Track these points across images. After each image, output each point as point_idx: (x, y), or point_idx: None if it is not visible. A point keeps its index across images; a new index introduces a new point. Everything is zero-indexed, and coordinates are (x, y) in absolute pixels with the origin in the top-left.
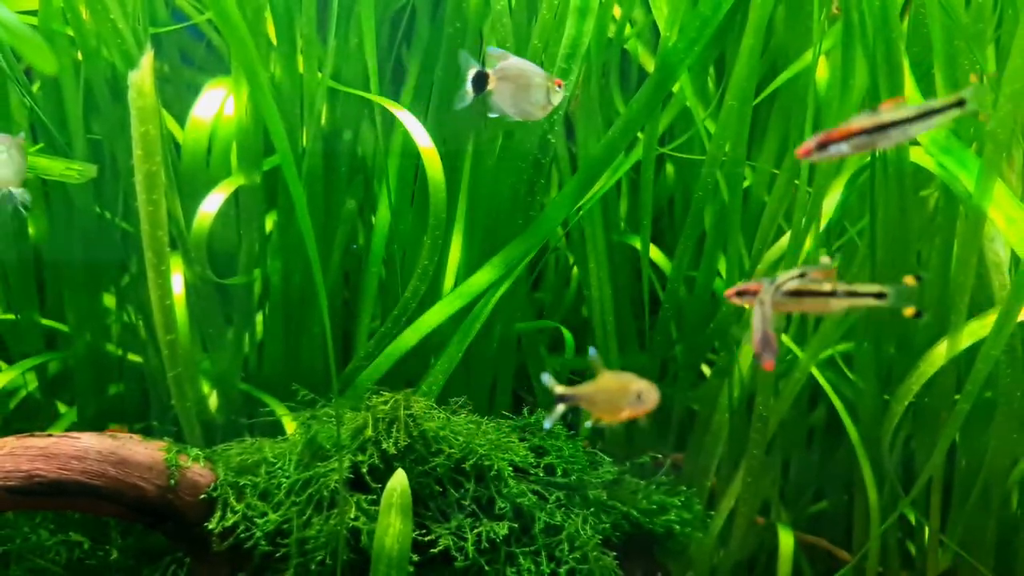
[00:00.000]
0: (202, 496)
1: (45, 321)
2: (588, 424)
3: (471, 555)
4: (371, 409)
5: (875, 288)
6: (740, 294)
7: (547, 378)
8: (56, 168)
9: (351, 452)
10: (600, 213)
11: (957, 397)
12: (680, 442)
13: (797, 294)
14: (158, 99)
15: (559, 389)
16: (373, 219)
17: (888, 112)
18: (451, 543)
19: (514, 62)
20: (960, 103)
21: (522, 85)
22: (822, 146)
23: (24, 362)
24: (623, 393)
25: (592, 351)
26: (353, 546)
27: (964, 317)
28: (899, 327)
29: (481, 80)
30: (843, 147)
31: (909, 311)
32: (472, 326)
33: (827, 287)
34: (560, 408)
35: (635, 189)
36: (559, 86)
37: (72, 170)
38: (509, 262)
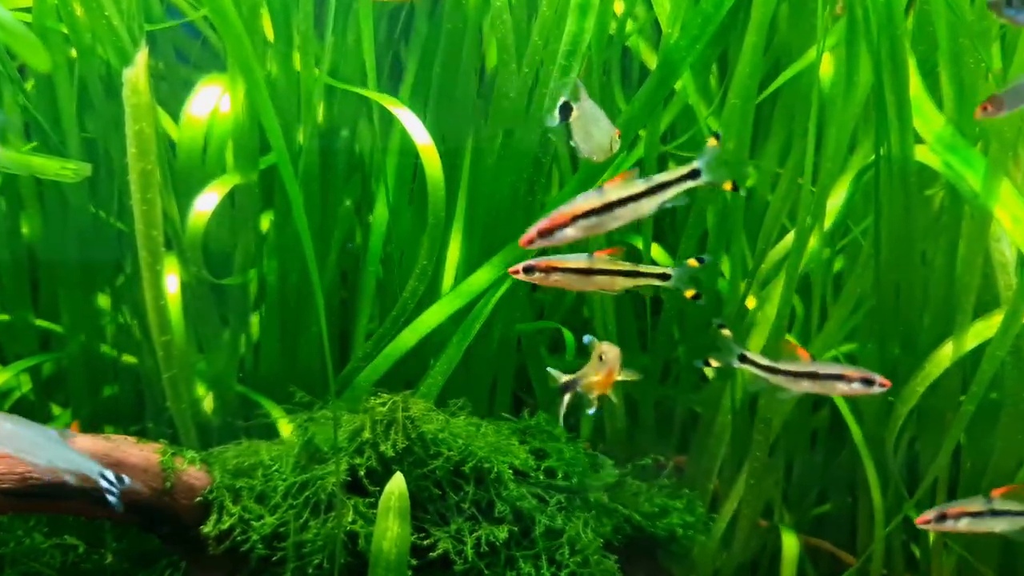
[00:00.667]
0: (198, 499)
1: (39, 322)
2: (591, 411)
3: (470, 559)
4: (369, 411)
5: (658, 269)
6: (527, 270)
7: (553, 372)
8: (50, 167)
9: (348, 455)
10: None
11: (962, 398)
12: (682, 444)
13: (584, 272)
14: (153, 97)
15: (564, 378)
16: (371, 218)
17: (615, 190)
18: (450, 547)
19: (591, 104)
20: (694, 174)
21: (594, 125)
22: (546, 232)
23: (18, 363)
24: (596, 359)
25: (587, 338)
26: (351, 550)
27: (969, 318)
28: (904, 327)
29: (566, 110)
30: (568, 231)
31: (689, 293)
32: (471, 326)
33: (615, 266)
34: (566, 398)
35: None
36: (619, 135)
37: (67, 169)
38: (509, 262)
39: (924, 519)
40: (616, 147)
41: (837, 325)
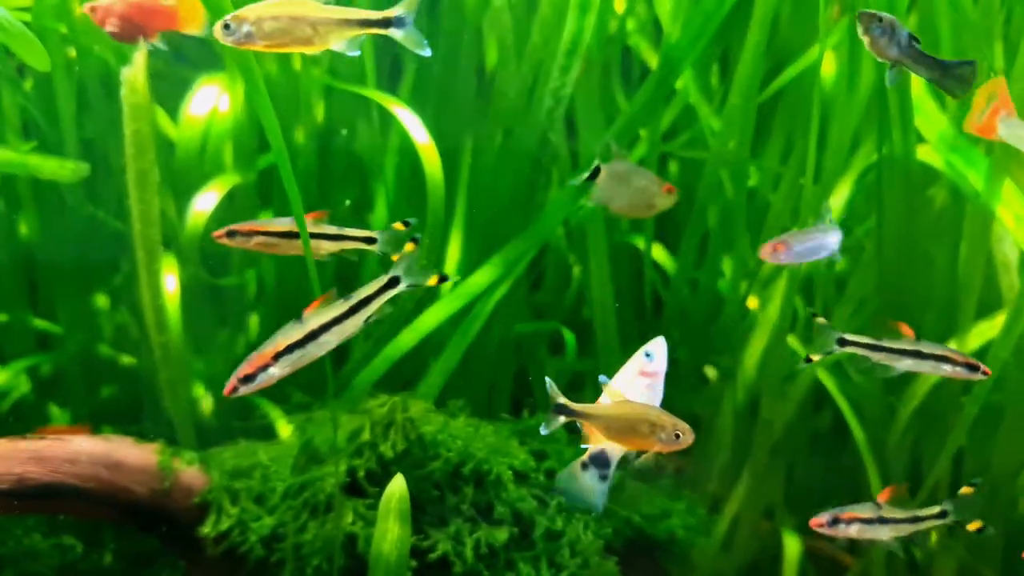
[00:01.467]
0: (196, 500)
1: (37, 322)
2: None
3: (470, 561)
4: (368, 412)
5: (364, 233)
6: (230, 234)
7: (550, 385)
8: (48, 166)
9: (347, 456)
10: (602, 212)
11: (964, 400)
12: None
13: (288, 235)
14: (151, 96)
15: (560, 399)
16: (370, 218)
17: (315, 318)
18: (449, 549)
19: (624, 166)
20: (394, 282)
21: (627, 186)
22: (248, 378)
23: (16, 363)
24: (648, 425)
25: (602, 378)
26: (349, 552)
27: (972, 318)
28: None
29: (595, 172)
30: (273, 371)
31: (395, 257)
32: (471, 327)
33: (320, 230)
34: (560, 420)
35: None
36: (668, 191)
37: (64, 168)
38: (508, 262)
39: (818, 522)
40: (661, 202)
41: (840, 326)
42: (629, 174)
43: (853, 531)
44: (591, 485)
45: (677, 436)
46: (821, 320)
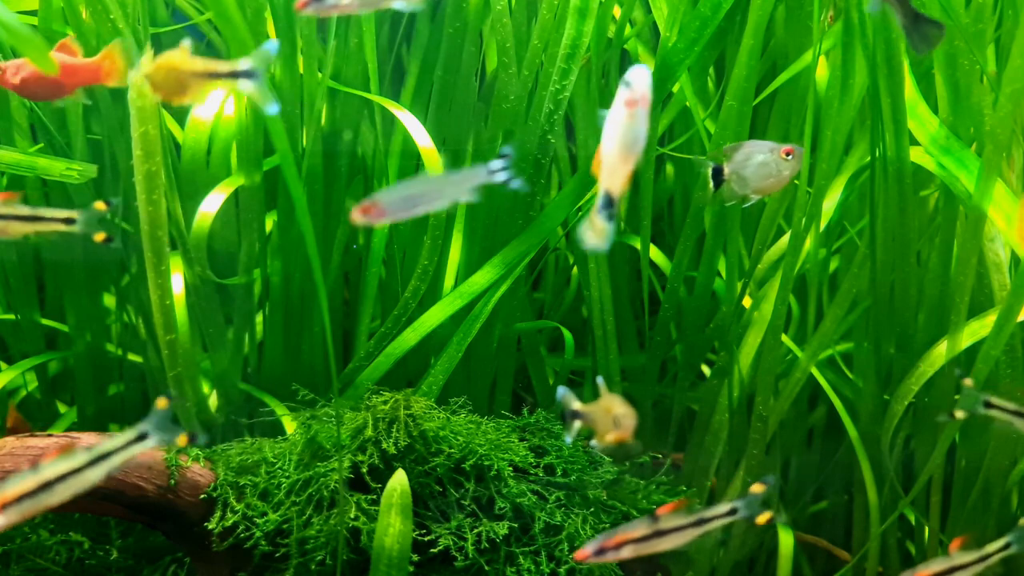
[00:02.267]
0: (202, 496)
1: (45, 321)
2: (593, 443)
3: (471, 555)
4: (371, 409)
5: (63, 213)
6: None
7: (564, 392)
8: (56, 168)
9: (351, 452)
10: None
11: (957, 397)
12: (680, 442)
13: None
14: (158, 99)
15: (575, 405)
16: None
17: (53, 466)
18: (451, 543)
19: (743, 151)
20: (141, 437)
21: (750, 167)
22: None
23: (24, 362)
24: (609, 415)
25: (599, 379)
26: (353, 546)
27: (964, 317)
28: (899, 327)
29: (717, 175)
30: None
31: (99, 236)
32: (472, 326)
33: (11, 211)
34: (577, 425)
35: (635, 189)
36: (789, 154)
37: (72, 170)
38: (509, 262)
39: (583, 555)
40: (786, 168)
41: (833, 324)
42: (749, 157)
43: (626, 553)
44: (600, 227)
45: (616, 422)
46: (968, 382)
